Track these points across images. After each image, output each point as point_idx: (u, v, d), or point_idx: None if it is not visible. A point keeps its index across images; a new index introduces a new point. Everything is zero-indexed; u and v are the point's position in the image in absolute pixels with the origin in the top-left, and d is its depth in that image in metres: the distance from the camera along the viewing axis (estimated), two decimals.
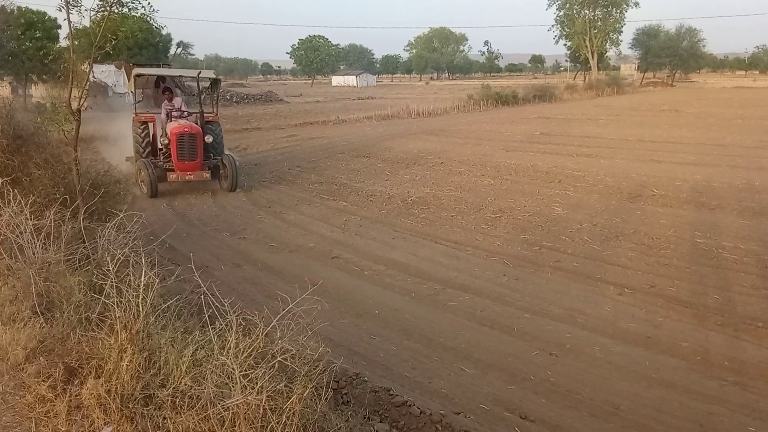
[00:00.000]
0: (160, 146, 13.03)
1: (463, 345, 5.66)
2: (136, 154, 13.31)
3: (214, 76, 14.74)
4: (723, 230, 9.12)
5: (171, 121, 13.06)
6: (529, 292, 7.03)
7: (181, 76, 15.11)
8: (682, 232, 9.07)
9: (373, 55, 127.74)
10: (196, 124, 13.23)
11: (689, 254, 8.16)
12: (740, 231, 9.05)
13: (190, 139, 12.53)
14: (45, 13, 36.17)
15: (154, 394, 3.54)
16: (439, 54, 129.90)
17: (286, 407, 3.23)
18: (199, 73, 14.08)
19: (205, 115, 13.80)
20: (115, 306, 3.97)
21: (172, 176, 12.42)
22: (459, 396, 4.74)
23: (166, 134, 12.70)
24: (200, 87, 14.62)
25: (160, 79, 15.20)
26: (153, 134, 13.40)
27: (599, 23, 71.61)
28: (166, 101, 13.44)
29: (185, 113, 13.45)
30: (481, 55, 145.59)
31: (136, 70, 14.23)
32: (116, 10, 7.35)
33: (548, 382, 4.96)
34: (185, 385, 3.46)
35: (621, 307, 6.52)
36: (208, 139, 13.04)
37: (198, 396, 3.36)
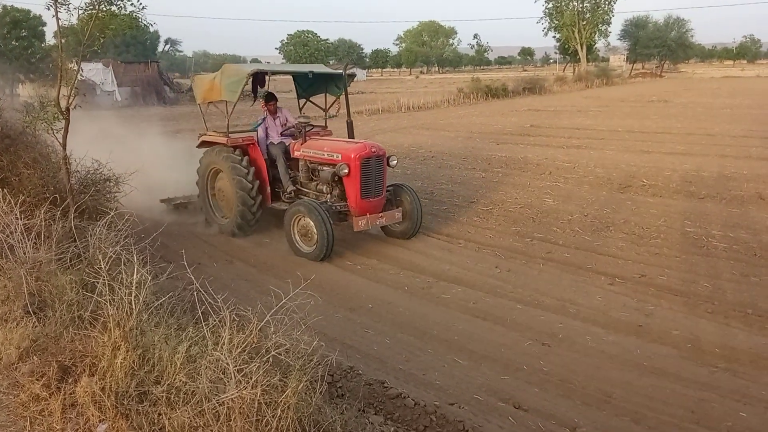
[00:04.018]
0: (329, 180, 8.60)
1: (457, 337, 5.69)
2: (242, 196, 8.97)
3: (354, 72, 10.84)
4: (712, 219, 9.20)
5: (304, 141, 9.14)
6: (521, 283, 7.07)
7: (311, 72, 10.11)
8: (672, 222, 9.14)
9: (362, 49, 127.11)
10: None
11: (679, 243, 8.24)
12: (729, 219, 9.13)
13: (378, 165, 8.52)
14: (30, 11, 35.91)
15: (148, 390, 3.55)
16: (428, 48, 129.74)
17: (281, 401, 3.25)
18: (346, 65, 9.94)
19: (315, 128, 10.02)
20: (108, 304, 3.97)
21: (360, 223, 8.21)
22: (453, 387, 4.77)
23: (341, 161, 8.37)
24: (347, 85, 10.05)
25: (258, 81, 10.40)
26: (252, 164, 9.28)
27: (588, 15, 71.70)
28: (267, 114, 9.87)
29: (291, 128, 9.70)
30: (471, 48, 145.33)
31: (251, 68, 9.32)
32: (104, 8, 7.27)
33: (541, 372, 5.00)
34: (180, 381, 3.47)
35: (612, 297, 6.57)
36: (393, 161, 8.94)
37: (193, 392, 3.38)
